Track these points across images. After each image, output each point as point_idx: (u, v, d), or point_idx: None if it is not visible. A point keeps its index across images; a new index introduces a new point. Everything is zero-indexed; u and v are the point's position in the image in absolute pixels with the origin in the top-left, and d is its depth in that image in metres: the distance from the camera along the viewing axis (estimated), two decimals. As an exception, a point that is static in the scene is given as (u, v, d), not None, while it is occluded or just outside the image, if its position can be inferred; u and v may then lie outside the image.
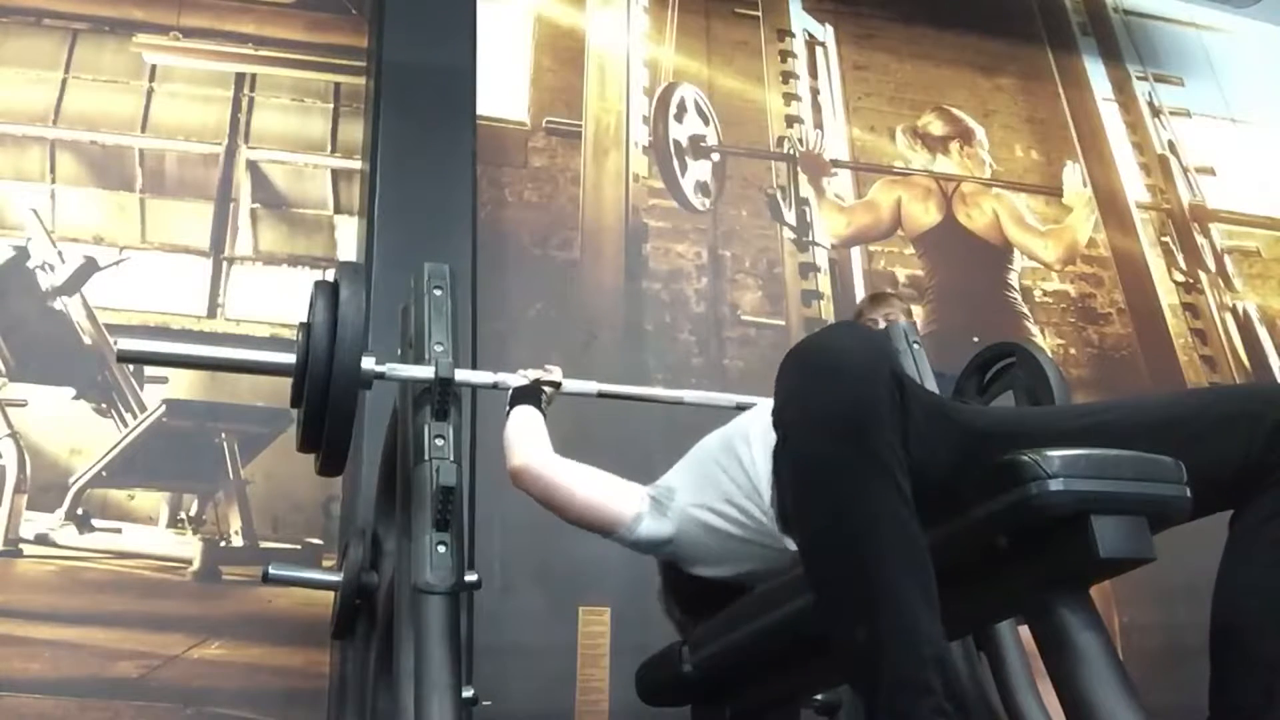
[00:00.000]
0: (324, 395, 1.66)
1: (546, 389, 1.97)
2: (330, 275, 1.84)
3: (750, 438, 1.60)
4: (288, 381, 1.76)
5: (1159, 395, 2.09)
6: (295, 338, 1.77)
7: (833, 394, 1.13)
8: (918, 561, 1.09)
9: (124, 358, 1.78)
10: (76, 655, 2.66)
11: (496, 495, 2.82)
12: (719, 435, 1.71)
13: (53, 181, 3.12)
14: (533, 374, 1.98)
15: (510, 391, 1.95)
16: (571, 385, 2.03)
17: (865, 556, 1.09)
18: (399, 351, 1.99)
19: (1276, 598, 1.16)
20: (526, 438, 1.82)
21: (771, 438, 1.51)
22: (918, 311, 3.72)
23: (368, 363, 1.73)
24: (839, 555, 1.12)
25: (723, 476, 1.61)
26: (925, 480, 1.15)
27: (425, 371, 1.80)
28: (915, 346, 2.21)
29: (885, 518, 1.09)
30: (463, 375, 1.94)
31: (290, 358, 1.74)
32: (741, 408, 2.05)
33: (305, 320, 1.73)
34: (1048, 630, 1.12)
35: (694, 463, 1.72)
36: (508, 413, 1.92)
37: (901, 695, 1.05)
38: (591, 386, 2.08)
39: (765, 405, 1.61)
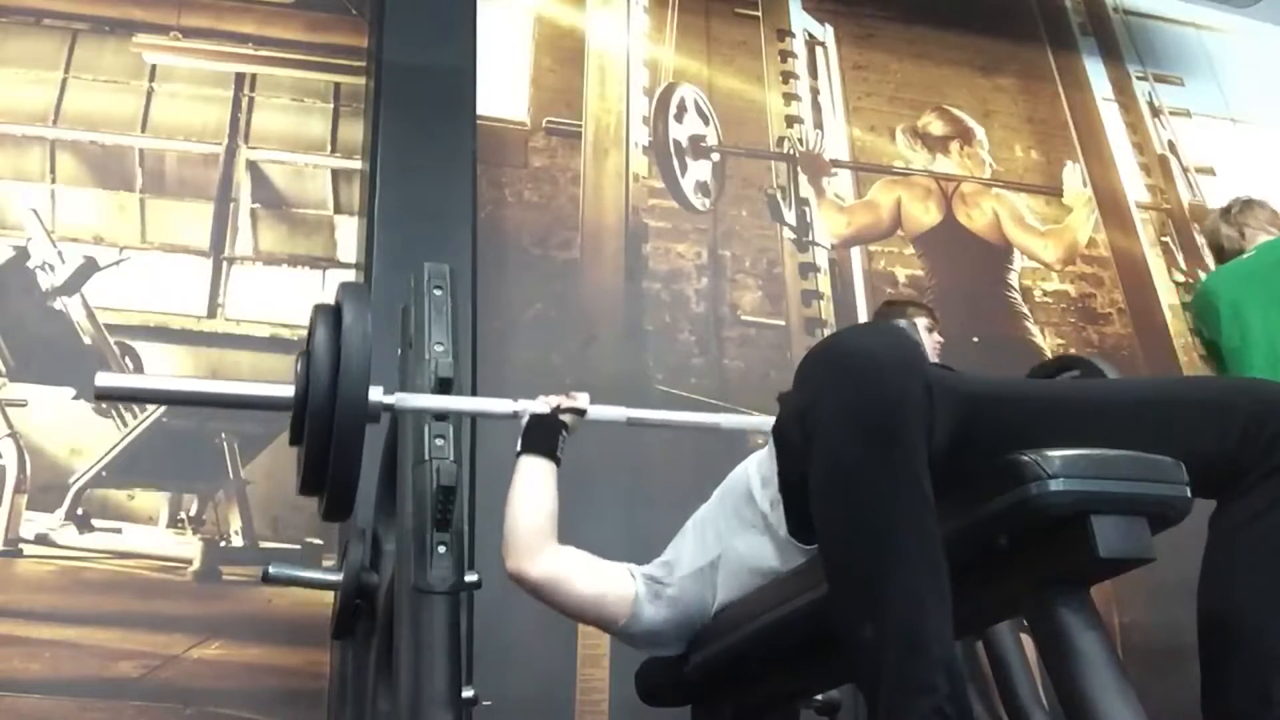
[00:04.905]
0: (327, 433, 1.52)
1: (566, 418, 1.79)
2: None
3: (750, 476, 1.61)
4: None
5: (1142, 379, 2.07)
6: (294, 367, 1.61)
7: (866, 395, 1.13)
8: (934, 566, 1.10)
9: (102, 395, 1.60)
10: (76, 655, 2.66)
11: (496, 495, 2.82)
12: (713, 499, 1.72)
13: (53, 181, 3.12)
14: (555, 400, 1.81)
15: (527, 419, 1.78)
16: (597, 412, 1.83)
17: (884, 557, 1.09)
18: (399, 352, 1.99)
19: (1265, 599, 1.16)
20: (527, 524, 1.69)
21: (767, 469, 1.52)
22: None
23: (375, 394, 1.59)
24: (858, 554, 1.12)
25: (734, 524, 1.62)
26: (931, 457, 1.15)
27: (439, 401, 1.71)
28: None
29: (908, 522, 1.10)
30: (480, 404, 1.89)
31: (288, 390, 1.59)
32: None
33: (304, 350, 1.58)
34: (1048, 630, 1.12)
35: (693, 529, 1.72)
36: (517, 454, 1.77)
37: (903, 693, 1.05)
38: (620, 413, 1.87)
39: (744, 463, 1.66)
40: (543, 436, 1.76)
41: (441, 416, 1.74)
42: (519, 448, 1.77)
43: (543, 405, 1.79)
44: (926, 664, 1.05)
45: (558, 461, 1.76)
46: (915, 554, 1.09)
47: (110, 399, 1.57)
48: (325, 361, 1.53)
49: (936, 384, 1.17)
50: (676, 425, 2.05)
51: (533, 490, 1.72)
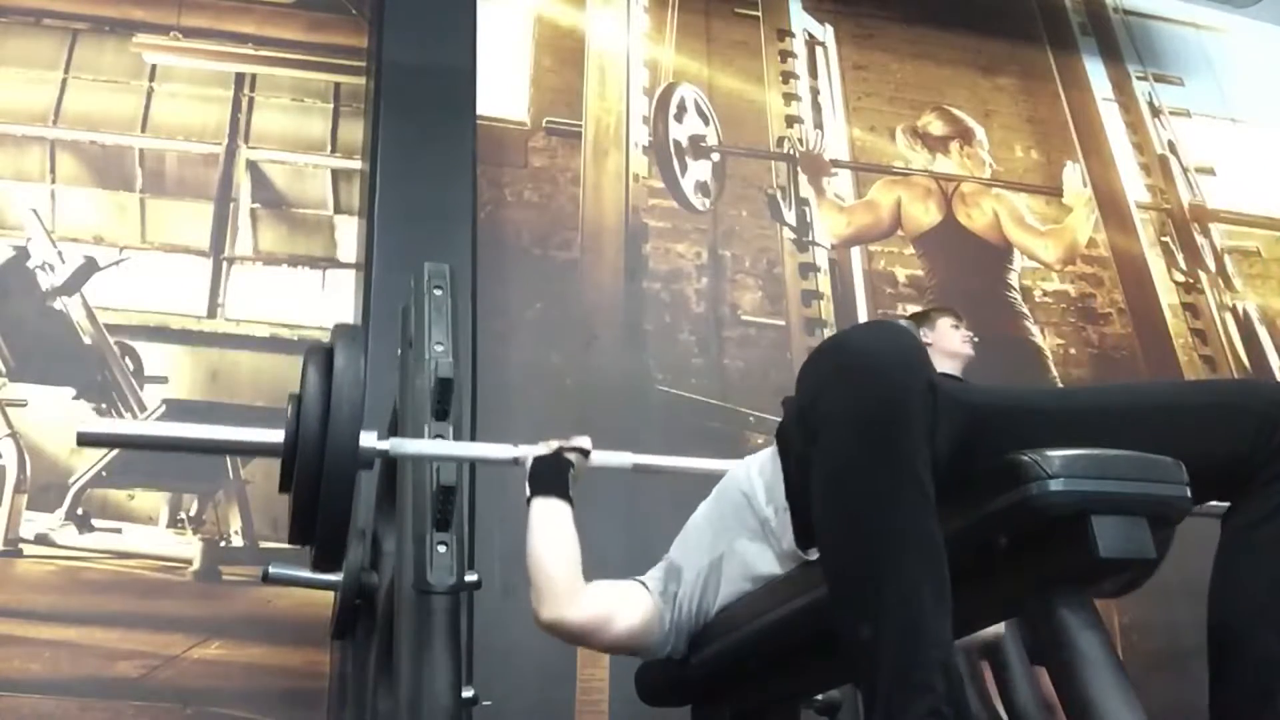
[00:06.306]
0: (316, 481, 1.46)
1: (572, 456, 1.71)
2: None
3: (752, 479, 1.58)
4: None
5: (1152, 383, 2.05)
6: (286, 407, 1.55)
7: (868, 394, 1.13)
8: (935, 567, 1.09)
9: (84, 441, 1.54)
10: (76, 655, 2.66)
11: (496, 495, 2.82)
12: (710, 499, 1.68)
13: (53, 181, 3.12)
14: (555, 444, 1.73)
15: (530, 462, 1.69)
16: (600, 458, 1.74)
17: (885, 558, 1.09)
18: (398, 351, 1.99)
19: (1270, 598, 1.16)
20: (559, 571, 1.59)
21: (770, 474, 1.50)
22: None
23: (367, 439, 1.52)
24: (859, 554, 1.12)
25: (732, 526, 1.59)
26: (934, 462, 1.15)
27: (436, 447, 1.65)
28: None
29: (909, 522, 1.10)
30: (479, 450, 1.82)
31: (278, 435, 1.52)
32: None
33: (296, 393, 1.53)
34: (1048, 630, 1.12)
35: (693, 531, 1.68)
36: (529, 499, 1.67)
37: (901, 693, 1.05)
38: (626, 459, 1.78)
39: (745, 462, 1.62)
40: (552, 477, 1.68)
41: (442, 416, 1.74)
42: (528, 492, 1.68)
43: (544, 448, 1.72)
44: (924, 664, 1.05)
45: (570, 501, 1.67)
46: (915, 554, 1.09)
47: (93, 445, 1.53)
48: (315, 406, 1.47)
49: (940, 387, 1.16)
50: (682, 471, 1.91)
51: (556, 533, 1.63)
